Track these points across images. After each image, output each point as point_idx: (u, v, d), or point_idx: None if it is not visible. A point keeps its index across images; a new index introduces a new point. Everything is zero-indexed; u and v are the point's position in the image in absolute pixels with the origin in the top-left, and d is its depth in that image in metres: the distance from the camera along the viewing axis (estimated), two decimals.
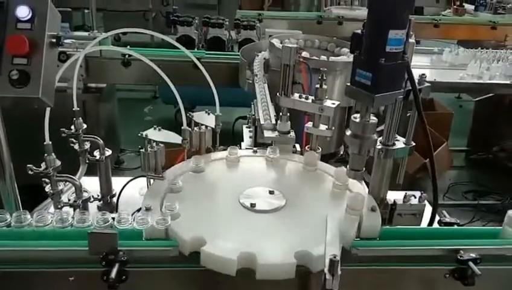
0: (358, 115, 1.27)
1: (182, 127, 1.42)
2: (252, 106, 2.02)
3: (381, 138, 1.39)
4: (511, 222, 1.25)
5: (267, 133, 1.65)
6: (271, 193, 1.36)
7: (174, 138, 1.47)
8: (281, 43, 2.40)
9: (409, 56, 1.21)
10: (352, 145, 1.28)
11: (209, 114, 1.66)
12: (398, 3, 1.13)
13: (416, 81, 1.30)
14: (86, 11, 5.49)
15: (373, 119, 1.27)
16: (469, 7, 5.22)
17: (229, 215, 1.28)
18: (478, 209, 3.63)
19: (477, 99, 4.37)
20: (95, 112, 2.99)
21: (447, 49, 3.56)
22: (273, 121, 1.75)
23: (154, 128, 1.49)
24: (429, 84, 1.34)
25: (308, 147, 1.67)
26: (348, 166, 1.34)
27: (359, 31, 1.23)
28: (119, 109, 3.87)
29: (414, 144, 1.41)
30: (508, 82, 3.09)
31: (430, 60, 3.52)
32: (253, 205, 1.29)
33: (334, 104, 1.53)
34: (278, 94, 1.63)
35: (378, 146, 1.37)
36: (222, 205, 1.33)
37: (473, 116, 4.54)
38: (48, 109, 1.20)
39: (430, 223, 1.44)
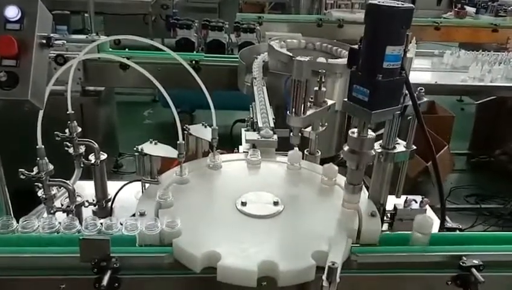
0: (355, 130, 1.24)
1: (178, 142, 1.38)
2: (251, 108, 1.99)
3: (381, 141, 1.36)
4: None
5: (249, 135, 1.61)
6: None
7: (170, 152, 1.44)
8: (281, 46, 2.39)
9: (407, 71, 1.19)
10: (350, 160, 1.26)
11: (205, 127, 1.62)
12: (395, 19, 1.11)
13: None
14: (86, 15, 5.49)
15: (370, 134, 1.24)
16: (470, 10, 5.20)
17: (231, 224, 1.25)
18: (480, 213, 3.59)
19: (479, 102, 4.34)
20: (93, 115, 2.96)
21: (448, 51, 3.53)
22: (272, 124, 1.73)
23: (150, 142, 1.46)
24: (427, 100, 1.31)
25: (307, 151, 1.65)
26: (345, 180, 1.31)
27: (356, 47, 1.20)
28: (118, 112, 3.84)
29: (415, 147, 1.38)
30: (510, 84, 3.06)
31: (431, 63, 3.49)
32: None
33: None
34: (288, 112, 1.50)
35: (378, 150, 1.34)
36: (220, 214, 1.30)
37: (474, 119, 4.50)
38: (41, 112, 1.17)
39: (441, 227, 1.41)
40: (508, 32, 4.50)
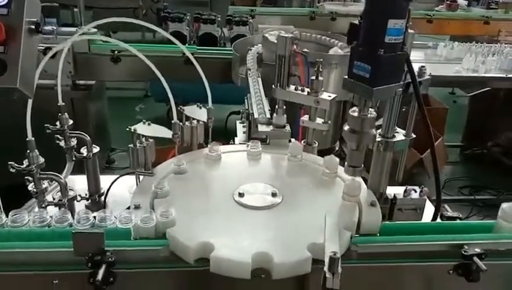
0: (356, 109, 1.21)
1: (172, 121, 1.36)
2: (246, 100, 1.96)
3: (380, 130, 1.34)
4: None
5: (262, 128, 1.59)
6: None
7: (164, 132, 1.41)
8: (275, 38, 2.35)
9: (408, 47, 1.16)
10: (350, 140, 1.23)
11: (200, 108, 1.60)
12: None
13: (416, 73, 1.25)
14: (75, 9, 5.40)
15: (371, 113, 1.21)
16: (462, 2, 5.21)
17: (227, 216, 1.22)
18: (474, 205, 3.60)
19: (471, 94, 4.35)
20: (84, 109, 2.91)
21: (441, 43, 3.53)
22: (268, 115, 1.70)
23: (144, 123, 1.43)
24: (429, 77, 1.29)
25: (304, 142, 1.62)
26: (346, 163, 1.28)
27: (356, 22, 1.17)
28: (109, 107, 3.79)
29: (414, 136, 1.36)
30: (504, 75, 3.06)
31: (424, 55, 3.49)
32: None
33: (330, 96, 1.48)
34: (273, 86, 1.57)
35: (378, 138, 1.32)
36: (216, 205, 1.27)
37: (467, 112, 4.51)
38: (30, 102, 1.13)
39: (434, 217, 1.39)
40: (499, 25, 4.51)
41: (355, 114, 1.20)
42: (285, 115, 1.58)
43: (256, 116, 1.67)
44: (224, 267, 1.04)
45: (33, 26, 0.97)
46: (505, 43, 3.64)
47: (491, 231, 1.24)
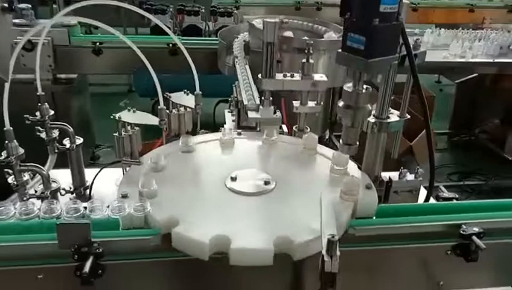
0: (350, 84, 1.17)
1: (159, 107, 1.30)
2: (234, 88, 1.91)
3: (374, 111, 1.31)
4: None
5: (252, 114, 1.54)
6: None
7: (150, 119, 1.35)
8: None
9: (403, 18, 1.12)
10: (345, 117, 1.19)
11: (188, 94, 1.55)
12: None
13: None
14: (54, 6, 5.27)
15: (366, 88, 1.17)
16: None
17: (211, 197, 1.18)
18: (463, 190, 3.62)
19: (458, 81, 4.36)
20: (66, 104, 2.81)
21: (428, 30, 3.52)
22: (258, 102, 1.65)
23: (129, 110, 1.37)
24: (425, 50, 1.26)
25: (296, 127, 1.58)
26: (341, 140, 1.25)
27: None
28: (93, 103, 3.69)
29: (409, 116, 1.33)
30: (491, 60, 3.07)
31: (411, 42, 3.46)
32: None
33: (322, 77, 1.44)
34: (259, 76, 1.51)
35: (372, 120, 1.28)
36: (204, 187, 1.23)
37: (454, 99, 4.53)
38: (7, 86, 1.06)
39: (427, 197, 1.37)
40: (484, 12, 4.54)
41: (350, 89, 1.16)
42: (272, 107, 1.51)
43: (245, 102, 1.62)
44: (183, 245, 1.00)
45: (6, 4, 0.91)
46: (490, 29, 3.65)
47: (489, 210, 1.22)
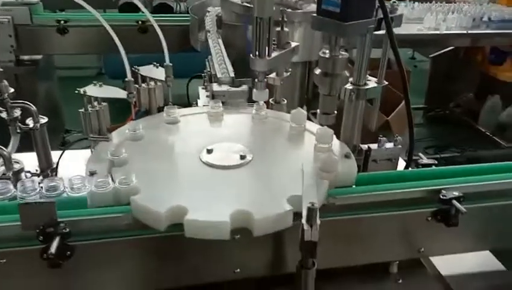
0: (327, 50, 1.13)
1: (126, 79, 1.23)
2: (207, 62, 1.84)
3: (351, 78, 1.27)
4: None
5: (216, 87, 1.47)
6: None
7: (117, 92, 1.29)
8: None
9: None
10: (322, 84, 1.15)
11: (157, 67, 1.48)
12: None
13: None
14: None
15: (343, 54, 1.13)
16: None
17: (181, 169, 1.14)
18: (440, 163, 3.65)
19: (432, 55, 4.38)
20: (31, 88, 2.67)
21: (402, 3, 3.50)
22: (232, 75, 1.60)
23: (94, 84, 1.30)
24: (402, 13, 1.22)
25: (272, 100, 1.53)
26: (318, 110, 1.21)
27: None
28: (61, 88, 3.54)
29: (387, 82, 1.30)
30: (465, 32, 3.08)
31: (387, 6, 3.44)
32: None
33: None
34: (251, 56, 1.32)
35: (349, 86, 1.25)
36: (178, 158, 1.19)
37: (429, 74, 4.56)
38: None
39: (408, 164, 1.35)
40: None
41: (327, 55, 1.12)
42: (267, 90, 1.40)
43: (219, 75, 1.57)
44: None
45: None
46: (463, 2, 3.66)
47: (469, 174, 1.21)
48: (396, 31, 3.23)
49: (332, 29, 1.06)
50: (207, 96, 1.83)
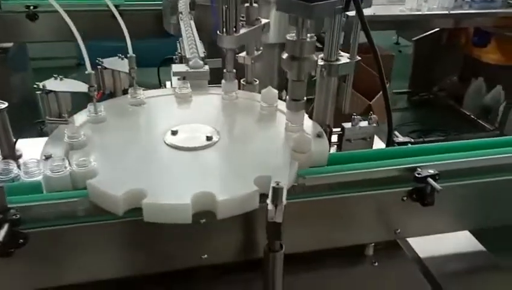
0: (293, 34, 1.08)
1: (86, 72, 1.16)
2: (178, 44, 1.77)
3: (322, 55, 1.22)
4: None
5: (176, 68, 1.41)
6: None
7: (79, 86, 1.22)
8: None
9: None
10: (290, 69, 1.10)
11: (122, 59, 1.41)
12: None
13: None
14: None
15: (311, 36, 1.08)
16: None
17: (143, 151, 1.08)
18: None
19: (415, 38, 4.35)
20: (3, 76, 2.58)
21: None
22: (202, 55, 1.54)
23: (55, 78, 1.23)
24: None
25: (244, 80, 1.48)
26: (287, 96, 1.16)
27: None
28: (38, 79, 3.43)
29: (359, 58, 1.24)
30: (447, 12, 3.04)
31: None
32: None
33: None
34: (218, 32, 1.29)
35: (320, 62, 1.19)
36: (141, 140, 1.14)
37: (412, 58, 4.53)
38: None
39: (388, 142, 1.31)
40: None
41: (294, 38, 1.06)
42: (236, 81, 1.37)
43: (188, 56, 1.50)
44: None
45: None
46: None
47: (445, 151, 1.17)
48: (378, 12, 3.19)
49: (298, 10, 1.00)
50: (178, 78, 1.78)
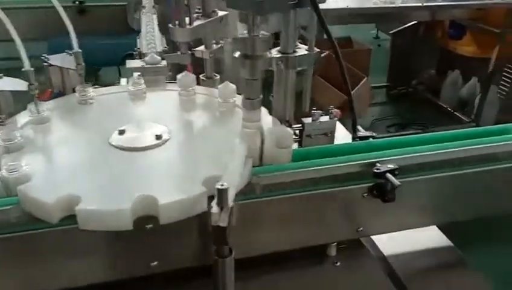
0: (245, 31, 1.01)
1: (23, 69, 1.07)
2: (138, 40, 1.70)
3: (279, 47, 1.16)
4: None
5: (130, 63, 1.34)
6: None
7: (20, 85, 1.14)
8: None
9: None
10: (243, 67, 1.03)
11: (71, 55, 1.33)
12: None
13: None
14: None
15: (264, 33, 1.02)
16: None
17: (85, 153, 1.01)
18: None
19: (392, 31, 4.32)
20: None
21: None
22: (159, 49, 1.47)
23: None
24: None
25: (203, 76, 1.41)
26: (242, 96, 1.10)
27: None
28: None
29: (318, 50, 1.19)
30: (420, 4, 3.01)
31: None
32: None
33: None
34: (170, 25, 1.26)
35: (277, 55, 1.13)
36: (85, 141, 1.06)
37: (390, 51, 4.50)
38: None
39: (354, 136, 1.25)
40: None
41: (245, 36, 1.00)
42: (194, 76, 1.31)
43: (145, 51, 1.44)
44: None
45: None
46: None
47: (406, 145, 1.13)
48: (353, 4, 3.12)
49: (248, 7, 0.94)
50: (138, 74, 1.71)
